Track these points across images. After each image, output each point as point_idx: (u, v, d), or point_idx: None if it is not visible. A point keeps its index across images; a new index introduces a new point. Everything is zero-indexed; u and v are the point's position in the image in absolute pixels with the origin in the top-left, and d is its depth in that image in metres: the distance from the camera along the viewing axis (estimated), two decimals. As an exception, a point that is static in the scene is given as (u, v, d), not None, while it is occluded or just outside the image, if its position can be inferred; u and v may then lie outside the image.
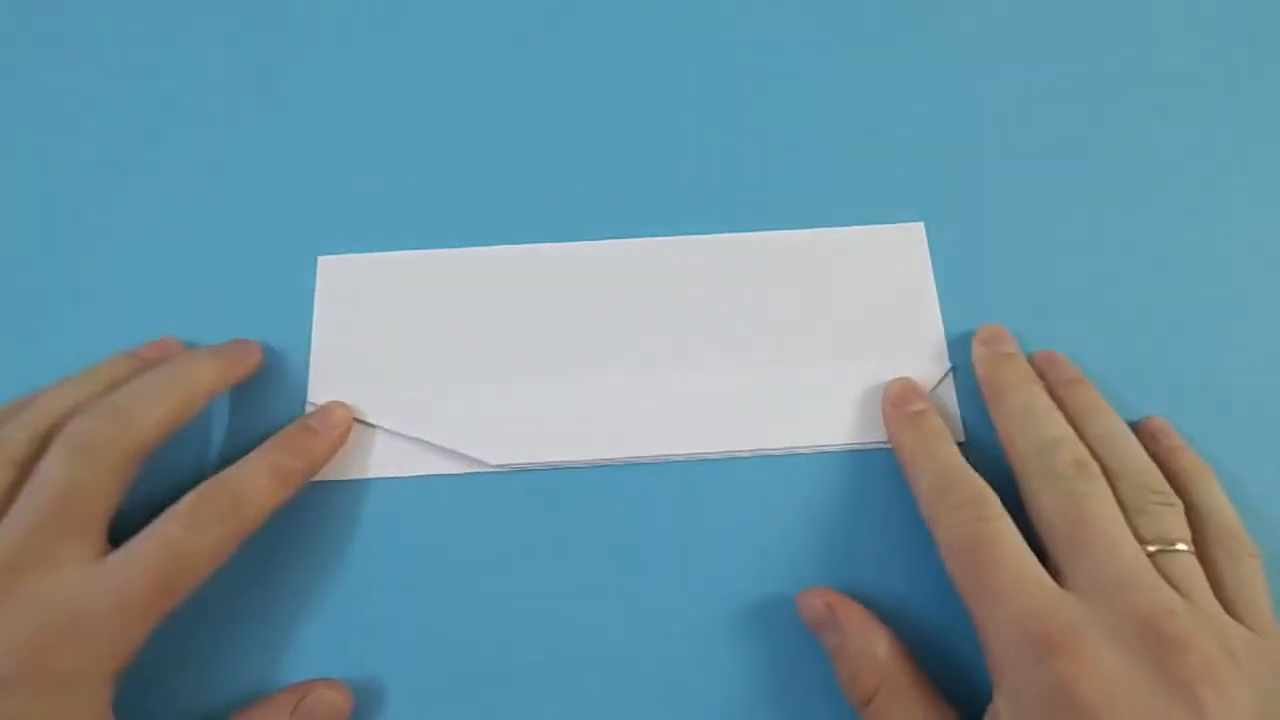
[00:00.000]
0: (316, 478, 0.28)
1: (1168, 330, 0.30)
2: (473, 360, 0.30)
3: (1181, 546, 0.24)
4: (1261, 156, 0.33)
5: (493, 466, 0.28)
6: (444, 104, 0.34)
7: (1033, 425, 0.26)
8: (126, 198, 0.33)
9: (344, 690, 0.25)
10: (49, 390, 0.26)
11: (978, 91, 0.34)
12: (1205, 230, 0.32)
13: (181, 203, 0.32)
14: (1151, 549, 0.24)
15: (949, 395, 0.29)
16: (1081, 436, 0.26)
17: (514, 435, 0.28)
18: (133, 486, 0.25)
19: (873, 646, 0.24)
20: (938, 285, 0.30)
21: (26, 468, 0.24)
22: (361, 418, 0.29)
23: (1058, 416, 0.27)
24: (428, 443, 0.28)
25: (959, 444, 0.28)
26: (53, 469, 0.23)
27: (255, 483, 0.25)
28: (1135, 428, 0.27)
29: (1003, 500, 0.25)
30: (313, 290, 0.31)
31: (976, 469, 0.26)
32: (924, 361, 0.29)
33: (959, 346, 0.30)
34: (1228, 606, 0.23)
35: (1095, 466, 0.25)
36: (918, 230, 0.31)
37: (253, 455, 0.26)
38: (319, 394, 0.29)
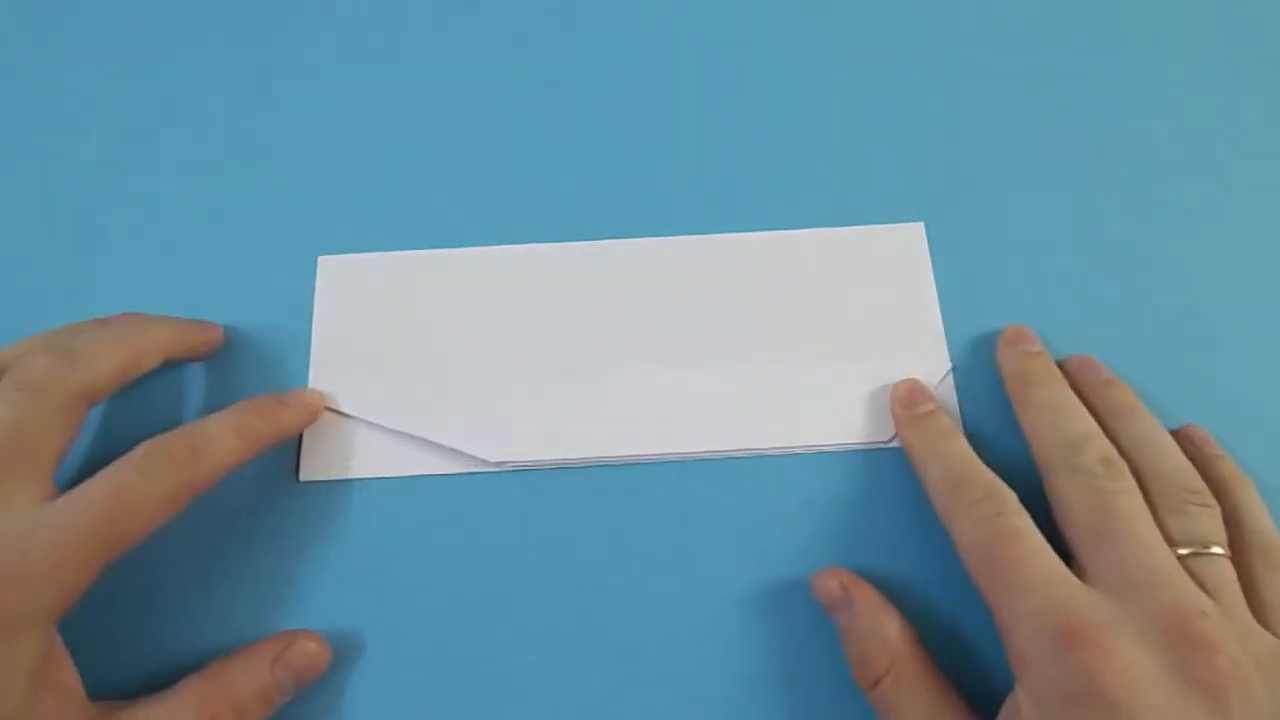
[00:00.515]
0: (314, 477, 0.28)
1: (1169, 330, 0.30)
2: (472, 360, 0.30)
3: (1216, 550, 0.24)
4: (1265, 156, 0.33)
5: (491, 465, 0.28)
6: (444, 103, 0.34)
7: (1060, 420, 0.26)
8: (126, 197, 0.32)
9: (323, 642, 0.25)
10: (10, 345, 0.26)
11: (978, 91, 0.34)
12: (1208, 230, 0.32)
13: (181, 202, 0.32)
14: (1184, 551, 0.24)
15: (949, 395, 0.29)
16: (1117, 438, 0.26)
17: (513, 434, 0.28)
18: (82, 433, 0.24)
19: (884, 628, 0.25)
20: (938, 285, 0.30)
21: None
22: (358, 415, 0.29)
23: (1085, 413, 0.27)
24: (426, 441, 0.28)
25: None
26: None
27: (216, 437, 0.25)
28: (1174, 436, 0.27)
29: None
30: (313, 290, 0.31)
31: (985, 465, 0.26)
32: (924, 361, 0.29)
33: (959, 347, 0.30)
34: (1260, 615, 0.23)
35: (1124, 465, 0.25)
36: (918, 230, 0.31)
37: (219, 413, 0.26)
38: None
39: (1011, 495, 0.25)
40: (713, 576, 0.27)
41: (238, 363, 0.30)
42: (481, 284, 0.31)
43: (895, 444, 0.29)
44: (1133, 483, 0.24)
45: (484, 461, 0.28)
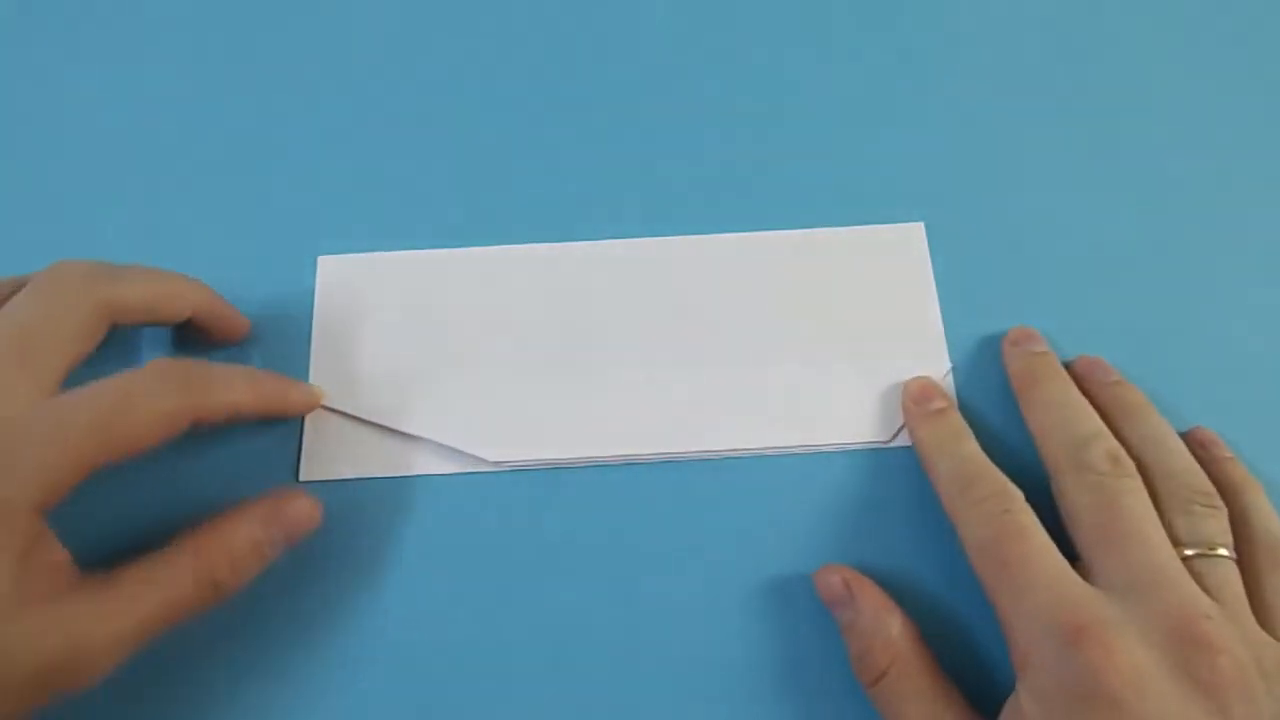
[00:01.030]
0: (314, 477, 0.28)
1: (1172, 330, 0.30)
2: (471, 360, 0.30)
3: (1223, 552, 0.24)
4: (1268, 155, 0.33)
5: (490, 464, 0.28)
6: (444, 103, 0.34)
7: (1066, 419, 0.26)
8: (126, 198, 0.32)
9: (314, 502, 0.25)
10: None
11: (980, 90, 0.34)
12: (1211, 229, 0.32)
13: (181, 202, 0.32)
14: (1190, 552, 0.23)
15: (950, 393, 0.29)
16: (1125, 438, 0.26)
17: (512, 433, 0.28)
18: (100, 351, 0.25)
19: (886, 626, 0.25)
20: (938, 285, 0.30)
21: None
22: (358, 415, 0.29)
23: (1092, 412, 0.27)
24: (426, 440, 0.28)
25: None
26: (23, 301, 0.24)
27: (229, 377, 0.25)
28: (1182, 438, 0.27)
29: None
30: (313, 290, 0.31)
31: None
32: (923, 361, 0.29)
33: (958, 347, 0.30)
34: (1264, 618, 0.23)
35: (1131, 464, 0.25)
36: (918, 230, 0.31)
37: (236, 365, 0.26)
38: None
39: (1019, 495, 0.25)
40: (714, 576, 0.27)
41: (238, 361, 0.30)
42: (481, 284, 0.31)
43: (896, 444, 0.29)
44: (1139, 482, 0.24)
45: (483, 461, 0.28)
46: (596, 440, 0.28)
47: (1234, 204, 0.32)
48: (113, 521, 0.24)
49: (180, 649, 0.26)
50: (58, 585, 0.21)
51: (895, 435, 0.28)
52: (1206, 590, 0.23)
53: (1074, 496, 0.25)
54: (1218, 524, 0.24)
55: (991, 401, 0.29)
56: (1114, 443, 0.25)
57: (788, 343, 0.30)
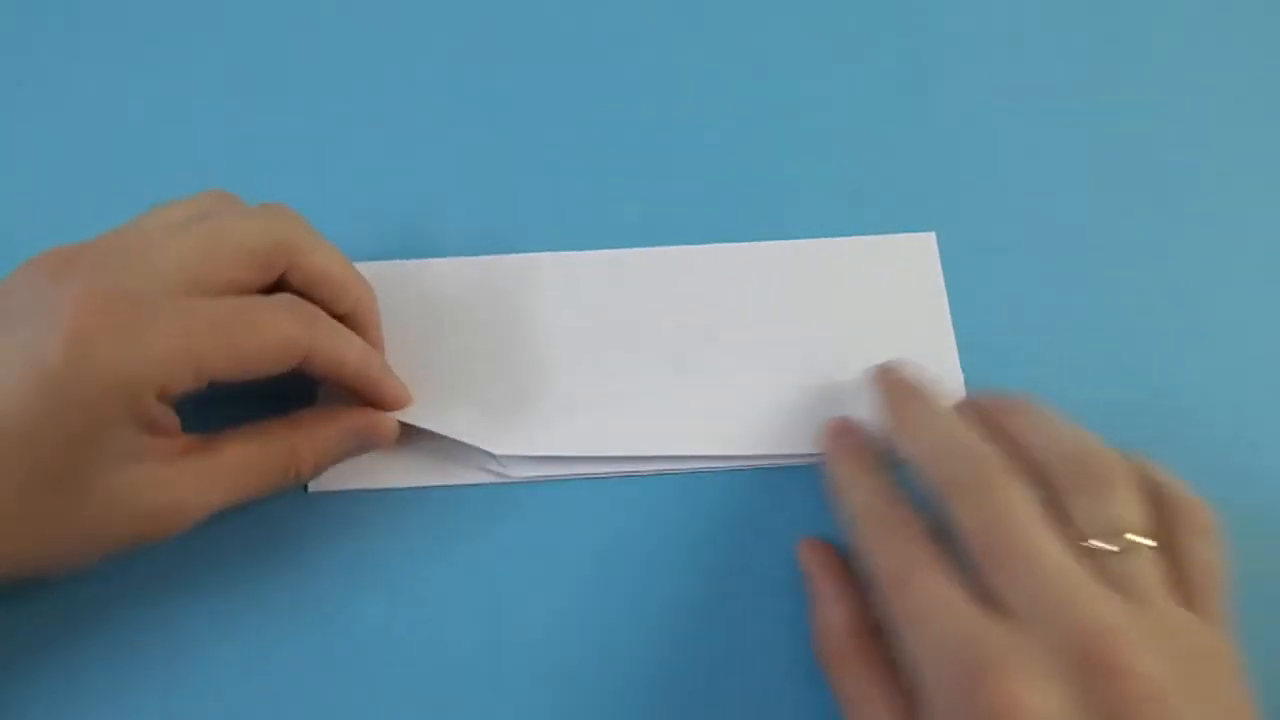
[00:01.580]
0: (324, 488, 0.28)
1: (1183, 337, 0.30)
2: (476, 363, 0.29)
3: (1129, 536, 0.22)
4: (1276, 162, 0.33)
5: (496, 466, 0.28)
6: (449, 111, 0.34)
7: (935, 441, 0.25)
8: (126, 198, 0.32)
9: (395, 422, 0.27)
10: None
11: (991, 100, 0.34)
12: (1223, 238, 0.31)
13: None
14: (1093, 543, 0.22)
15: None
16: (1014, 433, 0.25)
17: (518, 429, 0.28)
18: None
19: (828, 616, 0.25)
20: (949, 295, 0.30)
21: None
22: None
23: (958, 424, 0.25)
24: (432, 444, 0.28)
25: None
26: (223, 207, 0.26)
27: (349, 335, 0.26)
28: None
29: None
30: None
31: None
32: (935, 371, 0.29)
33: (971, 356, 0.29)
34: (1188, 596, 0.22)
35: (1006, 466, 0.23)
36: (929, 240, 0.31)
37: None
38: (325, 394, 0.29)
39: (920, 527, 0.24)
40: (725, 583, 0.27)
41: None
42: (483, 291, 0.31)
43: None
44: (1019, 487, 0.23)
45: (490, 457, 0.28)
46: (602, 438, 0.28)
47: (1248, 212, 0.32)
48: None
49: (177, 651, 0.26)
50: (170, 452, 0.23)
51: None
52: (1112, 583, 0.21)
53: (961, 523, 0.23)
54: (1120, 504, 0.23)
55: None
56: (984, 449, 0.24)
57: (798, 352, 0.30)
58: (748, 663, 0.26)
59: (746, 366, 0.29)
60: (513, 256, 0.31)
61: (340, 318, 0.27)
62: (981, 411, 0.26)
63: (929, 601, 0.22)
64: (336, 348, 0.25)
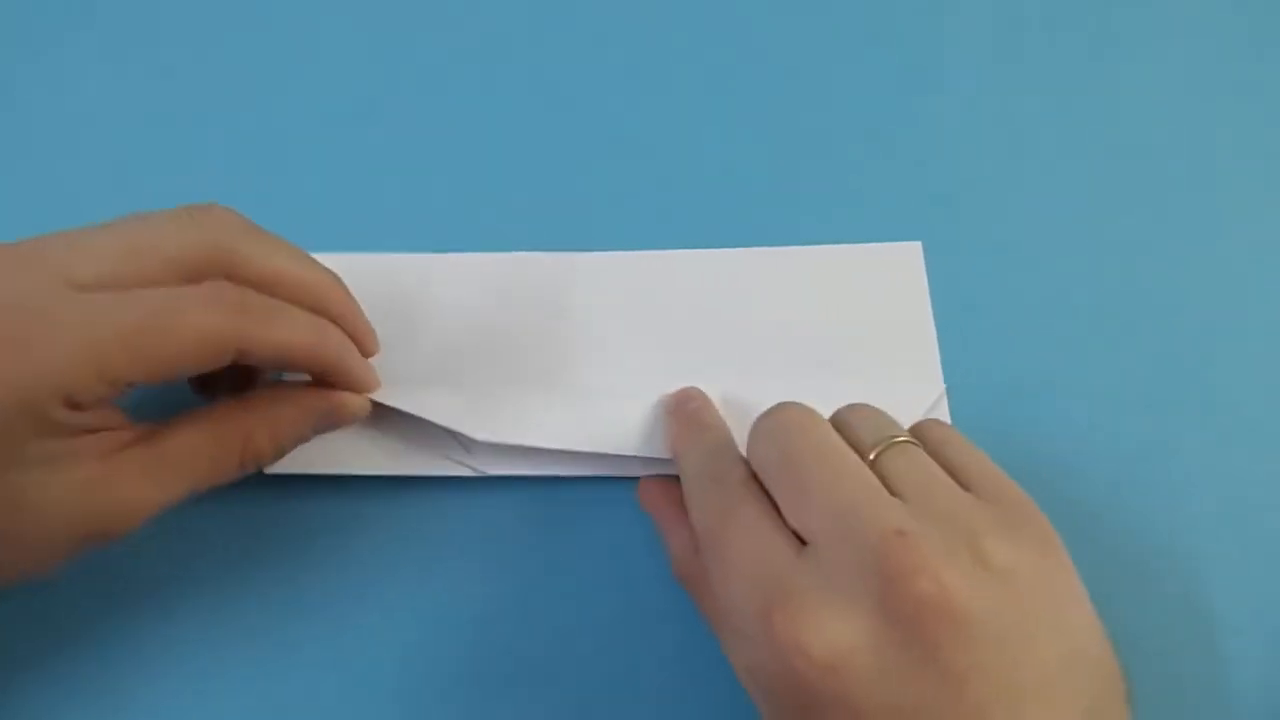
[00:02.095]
0: (283, 470, 0.26)
1: (1171, 347, 0.30)
2: (463, 361, 0.29)
3: (901, 438, 0.22)
4: (1269, 164, 0.33)
5: (474, 467, 0.27)
6: (444, 109, 0.34)
7: (707, 447, 0.25)
8: (125, 200, 0.32)
9: (365, 400, 0.25)
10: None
11: (980, 108, 0.34)
12: (1211, 247, 0.32)
13: (176, 201, 0.32)
14: (873, 454, 0.22)
15: (943, 414, 0.29)
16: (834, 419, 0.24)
17: (499, 423, 0.27)
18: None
19: (679, 542, 0.25)
20: (934, 304, 0.30)
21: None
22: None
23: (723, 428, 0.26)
24: (409, 431, 0.27)
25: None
26: (151, 216, 0.23)
27: (294, 317, 0.23)
28: None
29: None
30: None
31: None
32: (917, 380, 0.29)
33: (954, 367, 0.29)
34: (969, 486, 0.21)
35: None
36: (915, 249, 0.31)
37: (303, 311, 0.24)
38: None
39: (742, 478, 0.23)
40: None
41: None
42: (477, 290, 0.30)
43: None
44: (819, 418, 0.23)
45: (463, 449, 0.27)
46: (580, 437, 0.27)
47: (1239, 220, 0.32)
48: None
49: (168, 652, 0.26)
50: (108, 447, 0.21)
51: None
52: (894, 485, 0.21)
53: (755, 460, 0.23)
54: (901, 431, 0.23)
55: (986, 420, 0.29)
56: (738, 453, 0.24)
57: (782, 359, 0.29)
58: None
59: (730, 372, 0.29)
60: (495, 255, 0.31)
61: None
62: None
63: (739, 549, 0.21)
64: (276, 334, 0.22)
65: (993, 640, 0.18)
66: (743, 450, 0.24)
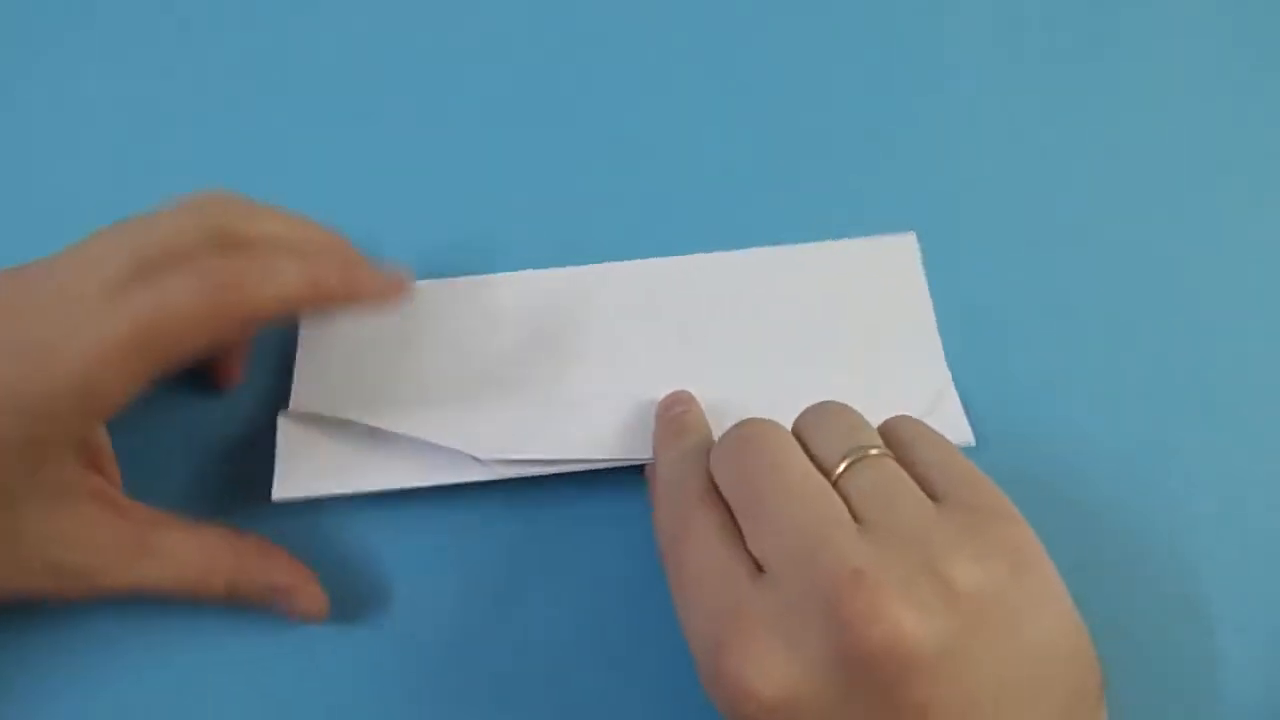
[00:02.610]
0: (290, 495, 0.27)
1: (1171, 347, 0.30)
2: (465, 376, 0.29)
3: (874, 451, 0.21)
4: (1268, 165, 0.33)
5: (482, 469, 0.27)
6: (440, 108, 0.34)
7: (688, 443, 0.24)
8: (125, 199, 0.32)
9: (324, 607, 0.25)
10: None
11: (973, 100, 0.35)
12: (1211, 247, 0.32)
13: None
14: (840, 469, 0.21)
15: (952, 402, 0.28)
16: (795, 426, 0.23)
17: (503, 438, 0.27)
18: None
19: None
20: (934, 305, 0.30)
21: None
22: (343, 415, 0.27)
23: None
24: (414, 439, 0.27)
25: (967, 449, 0.27)
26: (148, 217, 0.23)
27: (275, 266, 0.23)
28: None
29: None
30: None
31: (990, 472, 0.23)
32: (921, 371, 0.29)
33: (953, 367, 0.29)
34: (938, 491, 0.21)
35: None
36: (910, 240, 0.31)
37: (294, 253, 0.24)
38: (302, 401, 0.28)
39: (701, 491, 0.22)
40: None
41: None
42: (471, 308, 0.30)
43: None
44: (778, 428, 0.22)
45: (475, 463, 0.27)
46: (587, 445, 0.27)
47: (1236, 211, 0.32)
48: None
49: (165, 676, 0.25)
50: (105, 501, 0.23)
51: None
52: (856, 506, 0.20)
53: (717, 478, 0.22)
54: (866, 433, 0.22)
55: (987, 421, 0.28)
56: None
57: (783, 358, 0.29)
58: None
59: (729, 373, 0.29)
60: (485, 277, 0.31)
61: None
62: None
63: (695, 565, 0.20)
64: (269, 290, 0.23)
65: (952, 671, 0.18)
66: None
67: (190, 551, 0.23)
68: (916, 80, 0.35)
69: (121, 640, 0.26)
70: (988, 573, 0.19)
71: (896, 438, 0.22)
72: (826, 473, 0.21)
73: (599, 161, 0.33)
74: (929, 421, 0.24)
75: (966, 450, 0.26)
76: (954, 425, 0.28)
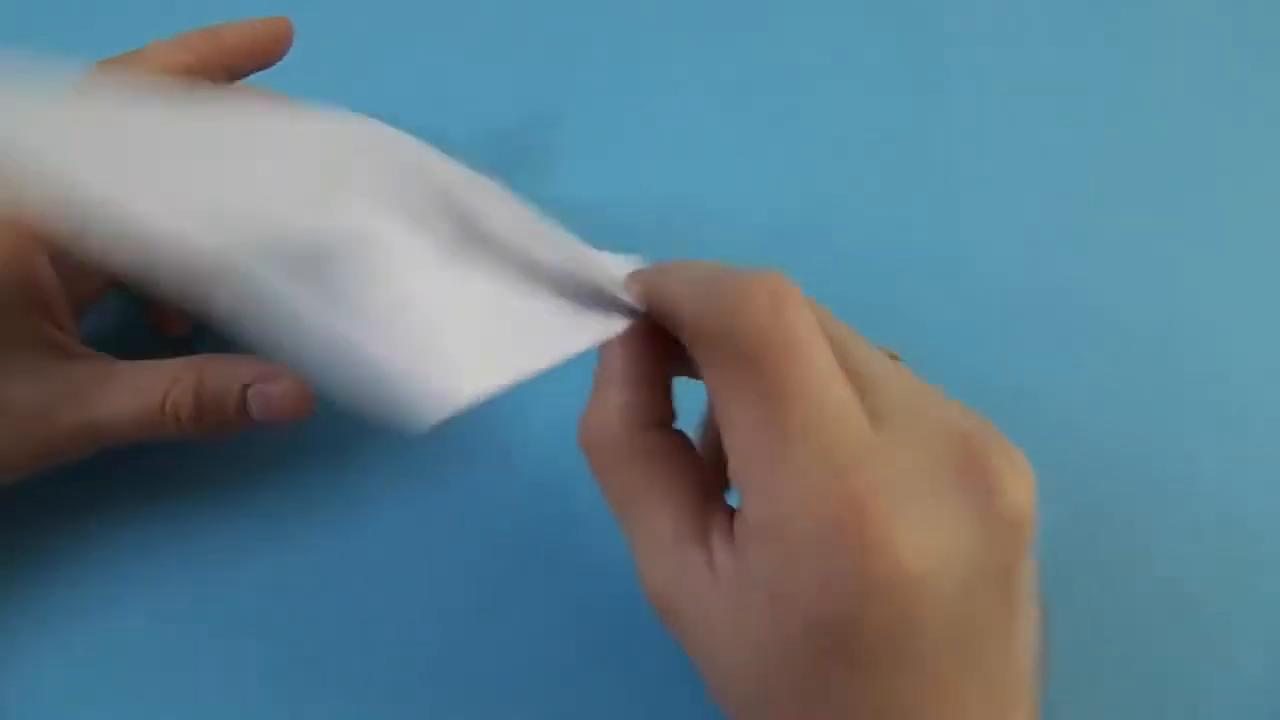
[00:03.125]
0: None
1: (1171, 347, 0.30)
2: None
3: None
4: (1268, 165, 0.33)
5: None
6: (439, 113, 0.34)
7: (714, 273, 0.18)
8: None
9: (306, 393, 0.23)
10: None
11: (973, 100, 0.35)
12: (1211, 247, 0.32)
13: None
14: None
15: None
16: None
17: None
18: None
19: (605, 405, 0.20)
20: (934, 305, 0.30)
21: None
22: None
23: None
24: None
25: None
26: None
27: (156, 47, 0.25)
28: None
29: None
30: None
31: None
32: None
33: (953, 367, 0.28)
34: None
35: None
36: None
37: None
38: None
39: (794, 288, 0.17)
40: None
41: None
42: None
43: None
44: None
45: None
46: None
47: (1239, 218, 0.32)
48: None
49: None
50: (69, 352, 0.23)
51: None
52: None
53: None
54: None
55: (993, 409, 0.28)
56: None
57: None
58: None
59: None
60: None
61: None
62: None
63: (806, 403, 0.16)
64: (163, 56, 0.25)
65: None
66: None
67: (149, 378, 0.23)
68: (916, 80, 0.35)
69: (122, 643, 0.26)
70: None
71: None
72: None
73: (607, 160, 0.33)
74: None
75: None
76: None
